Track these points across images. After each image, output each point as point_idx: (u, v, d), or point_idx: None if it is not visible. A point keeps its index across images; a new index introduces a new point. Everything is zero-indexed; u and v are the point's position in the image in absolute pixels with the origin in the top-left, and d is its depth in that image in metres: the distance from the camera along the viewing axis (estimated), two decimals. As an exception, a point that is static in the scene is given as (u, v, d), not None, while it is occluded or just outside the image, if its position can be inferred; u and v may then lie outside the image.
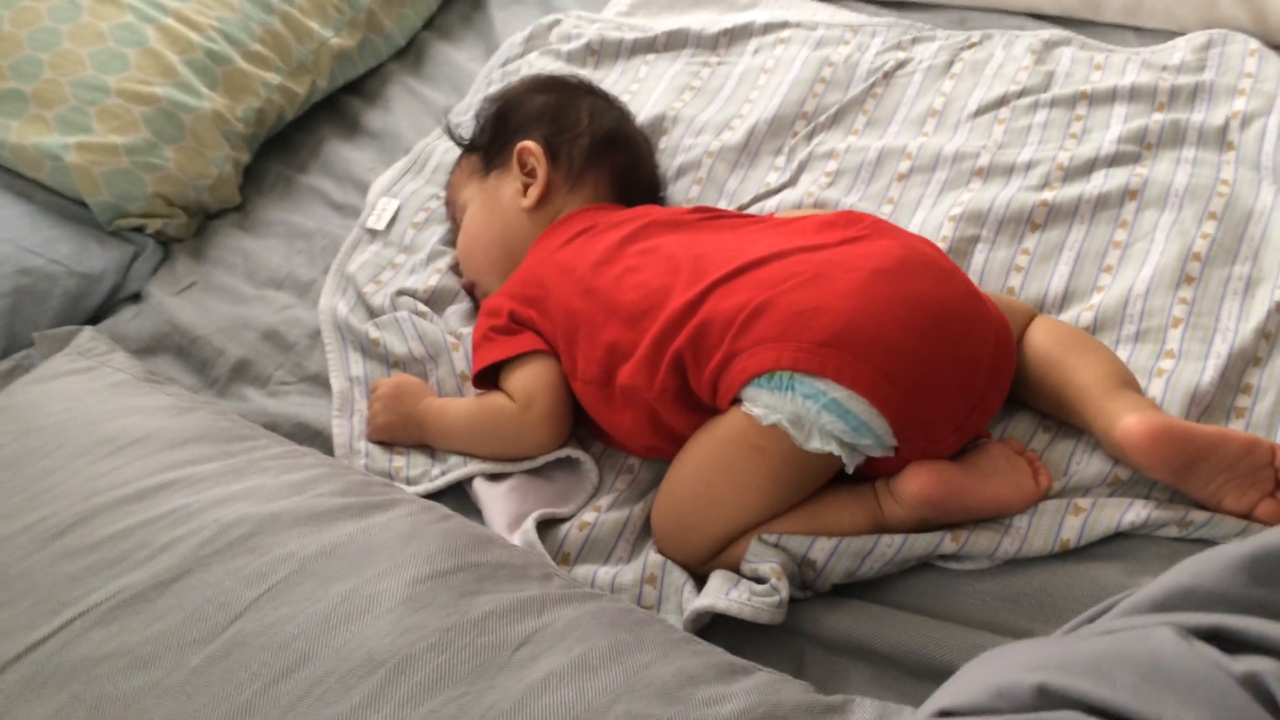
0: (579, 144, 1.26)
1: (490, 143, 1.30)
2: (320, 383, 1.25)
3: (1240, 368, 1.06)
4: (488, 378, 1.12)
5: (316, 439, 1.17)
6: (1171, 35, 1.46)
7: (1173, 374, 1.05)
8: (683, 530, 0.98)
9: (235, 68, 1.50)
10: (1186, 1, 1.43)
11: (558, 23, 1.67)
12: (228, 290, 1.37)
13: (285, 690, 0.75)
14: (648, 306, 1.03)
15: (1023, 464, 0.98)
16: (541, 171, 1.24)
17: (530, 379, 1.09)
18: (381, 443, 1.16)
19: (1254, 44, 1.36)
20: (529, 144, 1.25)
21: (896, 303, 0.94)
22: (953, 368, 0.95)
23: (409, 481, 1.11)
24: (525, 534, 0.99)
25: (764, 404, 0.93)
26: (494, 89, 1.57)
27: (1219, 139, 1.28)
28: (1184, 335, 1.09)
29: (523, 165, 1.26)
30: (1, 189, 1.41)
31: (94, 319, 1.37)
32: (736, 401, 0.96)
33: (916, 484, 0.93)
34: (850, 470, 0.95)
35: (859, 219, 1.06)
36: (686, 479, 0.98)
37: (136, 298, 1.39)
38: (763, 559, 0.93)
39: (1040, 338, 1.06)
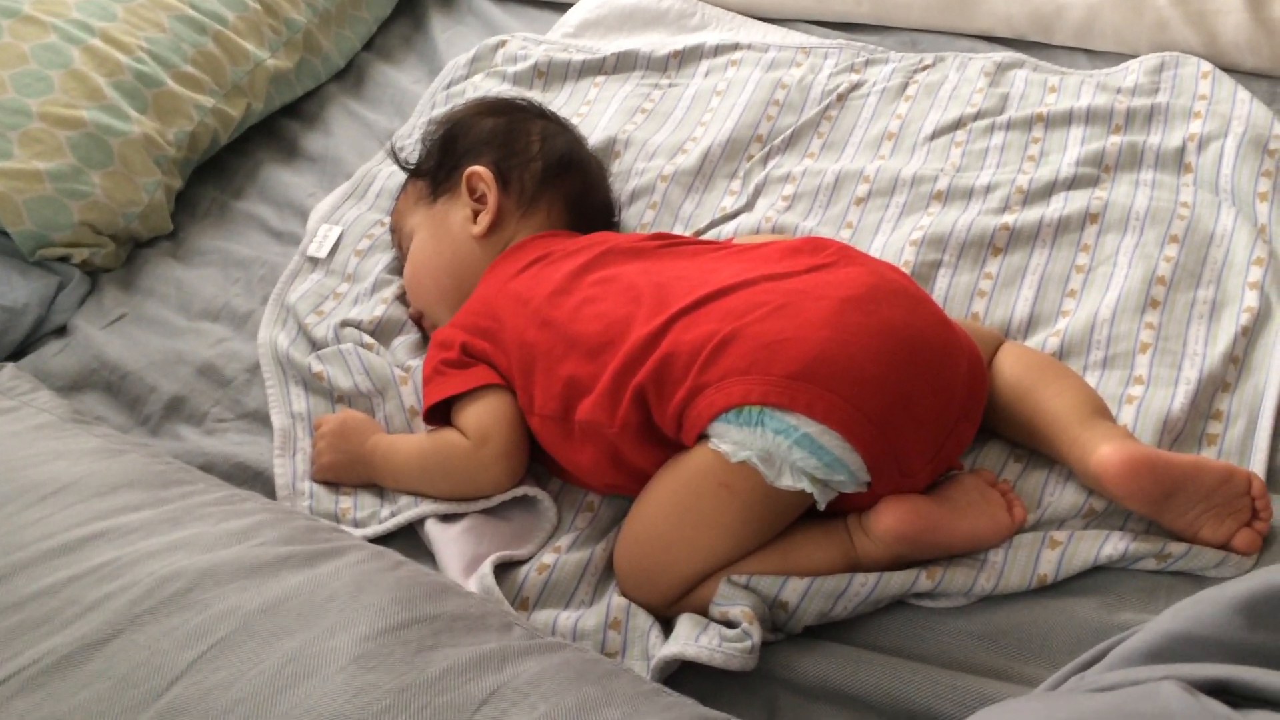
0: (531, 169, 1.22)
1: (438, 168, 1.25)
2: (260, 420, 1.19)
3: (1210, 393, 1.04)
4: (439, 414, 1.07)
5: (257, 480, 1.11)
6: (1123, 58, 1.46)
7: (1143, 401, 1.04)
8: (647, 572, 0.94)
9: (166, 90, 1.44)
10: (1138, 24, 1.42)
11: (503, 44, 1.63)
12: (160, 322, 1.30)
13: (228, 762, 0.69)
14: (609, 339, 0.99)
15: (996, 496, 0.96)
16: (492, 198, 1.20)
17: (484, 415, 1.04)
18: (327, 483, 1.10)
19: (1206, 66, 1.36)
20: (479, 169, 1.21)
21: (868, 332, 0.91)
22: (926, 398, 0.92)
23: (357, 524, 1.06)
24: (482, 579, 0.94)
25: (732, 440, 0.89)
26: (439, 111, 1.53)
27: (1177, 161, 1.27)
28: (1152, 360, 1.07)
29: (472, 191, 1.21)
30: (-84, 217, 1.33)
31: (16, 354, 1.30)
32: (703, 437, 0.92)
33: (891, 519, 0.90)
34: (822, 507, 0.91)
35: (825, 245, 1.03)
36: (651, 519, 0.94)
37: (62, 331, 1.31)
38: (733, 601, 0.89)
39: (1009, 365, 1.03)
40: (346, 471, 1.09)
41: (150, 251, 1.41)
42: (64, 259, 1.37)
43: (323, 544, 0.89)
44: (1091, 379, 1.07)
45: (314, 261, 1.35)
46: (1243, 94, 1.31)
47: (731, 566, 0.92)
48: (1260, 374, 1.05)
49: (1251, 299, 1.11)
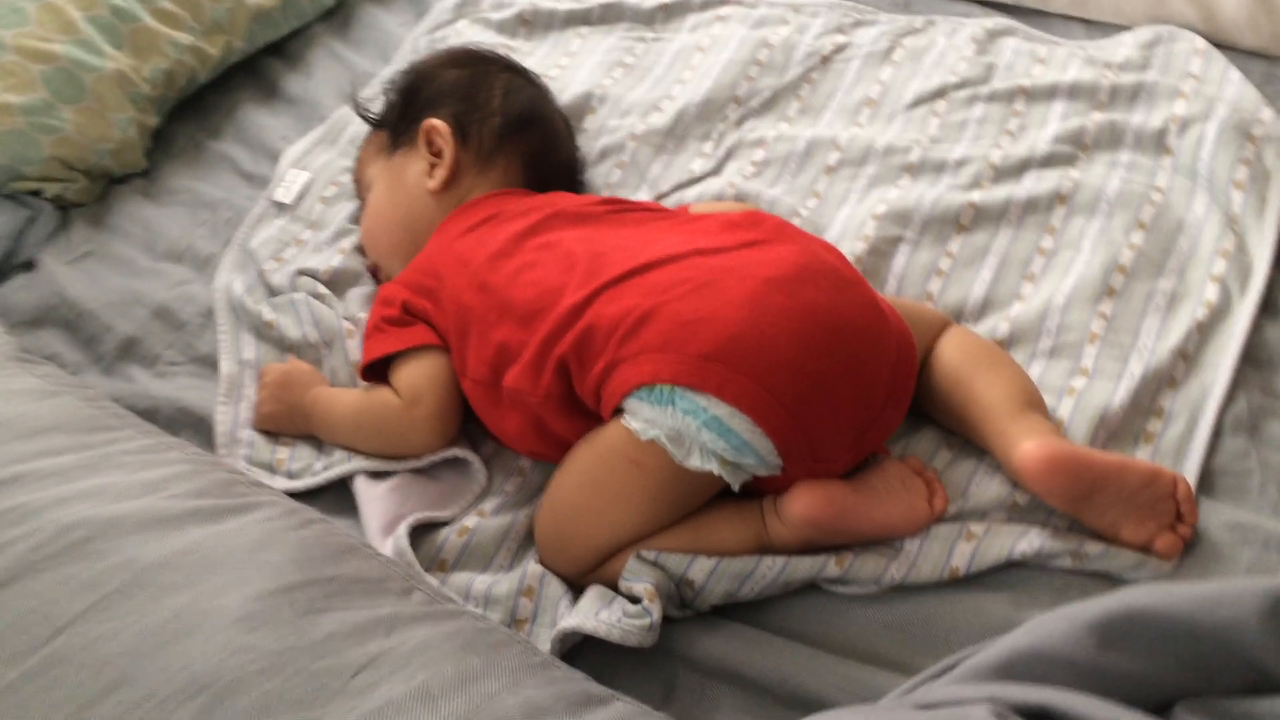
0: (490, 124, 1.20)
1: (399, 119, 1.24)
2: (211, 365, 1.19)
3: (1154, 389, 1.02)
4: (377, 370, 1.07)
5: (200, 426, 1.12)
6: (1120, 29, 1.41)
7: (1084, 393, 1.01)
8: (562, 542, 0.94)
9: (142, 26, 1.43)
10: (1136, -7, 1.37)
11: (491, -11, 1.60)
12: (124, 261, 1.31)
13: (99, 715, 0.70)
14: (541, 306, 0.98)
15: (919, 485, 0.94)
16: (448, 152, 1.19)
17: (418, 375, 1.03)
18: (267, 432, 1.10)
19: (1200, 43, 1.31)
20: (436, 123, 1.19)
21: (788, 314, 0.89)
22: (845, 383, 0.90)
23: (291, 475, 1.06)
24: (397, 540, 0.94)
25: (644, 417, 0.88)
26: (419, 56, 1.51)
27: (1157, 143, 1.23)
28: (1100, 352, 1.05)
29: (430, 145, 1.20)
30: (-108, 145, 1.34)
31: (-16, 286, 1.31)
32: (618, 412, 0.91)
33: (801, 505, 0.89)
34: (736, 488, 0.91)
35: (762, 220, 1.01)
36: (566, 490, 0.94)
37: (29, 265, 1.32)
38: (638, 577, 0.89)
39: (949, 351, 1.01)
40: (286, 422, 1.10)
41: (123, 188, 1.41)
42: (36, 193, 1.37)
43: (235, 499, 0.89)
44: (1037, 368, 1.05)
45: (279, 206, 1.35)
46: (1233, 74, 1.27)
47: (643, 542, 0.91)
48: (1209, 372, 1.03)
49: (1211, 293, 1.08)
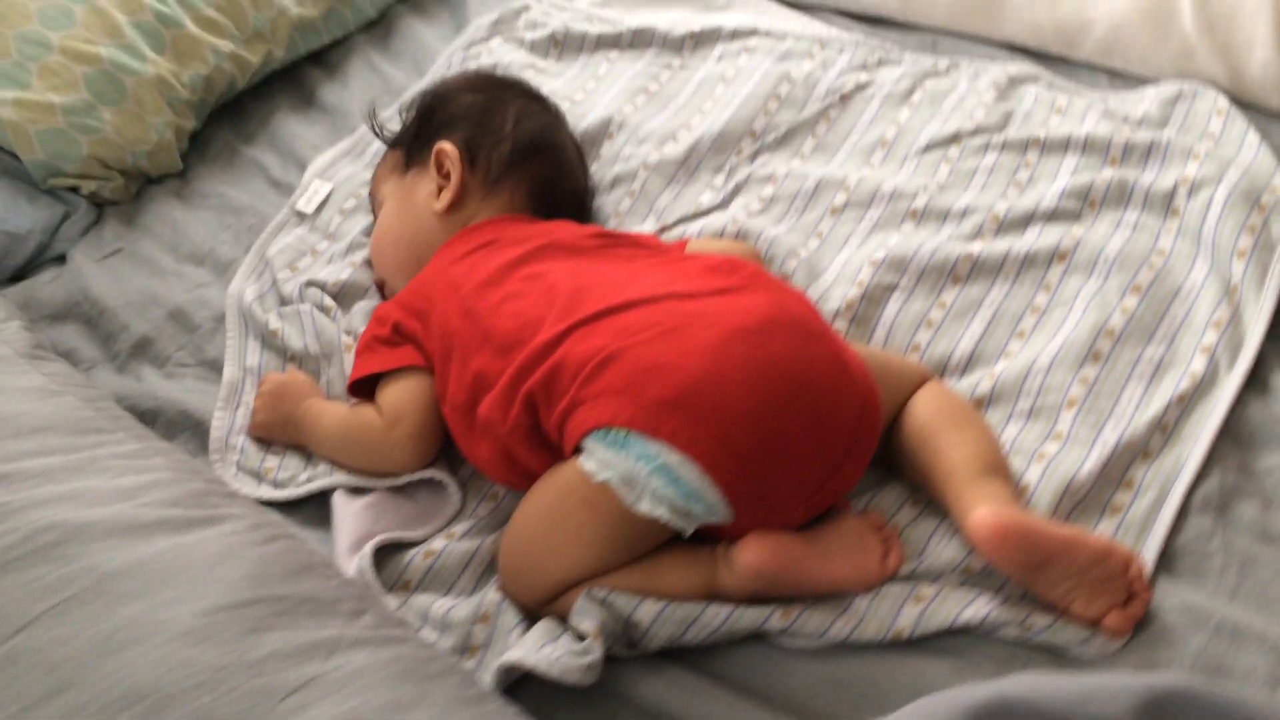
0: (500, 149, 1.23)
1: (413, 139, 1.27)
2: (217, 369, 1.23)
3: (1126, 460, 1.01)
4: (365, 387, 1.10)
5: (198, 429, 1.16)
6: (1146, 81, 1.39)
7: (1054, 459, 1.01)
8: (520, 573, 0.96)
9: (185, 32, 1.48)
10: (1162, 49, 1.35)
11: (527, 9, 1.63)
12: (149, 261, 1.36)
13: (41, 717, 0.74)
14: (519, 338, 1.00)
15: (874, 543, 0.95)
16: (456, 175, 1.21)
17: (401, 396, 1.07)
18: (261, 440, 1.14)
19: (1223, 102, 1.29)
20: (446, 146, 1.22)
21: (749, 365, 0.91)
22: (802, 437, 0.91)
23: (276, 484, 1.10)
24: (361, 559, 0.97)
25: (599, 459, 0.90)
26: (453, 71, 1.54)
27: (1165, 204, 1.21)
28: (1076, 418, 1.04)
29: (439, 167, 1.23)
30: (-56, 137, 1.41)
31: (17, 277, 1.37)
32: (578, 450, 0.93)
33: (749, 556, 0.90)
34: (687, 534, 0.92)
35: (740, 268, 1.02)
36: (526, 523, 0.96)
37: (61, 260, 1.39)
38: (586, 615, 0.91)
39: (921, 408, 1.01)
40: (279, 431, 1.13)
41: (158, 189, 1.47)
42: (74, 189, 1.43)
43: (206, 510, 0.93)
44: (1013, 429, 1.05)
45: (300, 216, 1.39)
46: (1252, 138, 1.24)
47: (595, 579, 0.93)
48: (1186, 446, 1.01)
49: (1199, 364, 1.07)
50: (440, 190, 1.22)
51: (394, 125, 1.35)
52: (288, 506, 1.09)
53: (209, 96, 1.52)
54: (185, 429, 1.17)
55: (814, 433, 0.92)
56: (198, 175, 1.49)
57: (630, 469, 0.89)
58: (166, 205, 1.44)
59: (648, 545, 0.94)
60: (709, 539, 0.95)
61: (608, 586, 0.92)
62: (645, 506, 0.89)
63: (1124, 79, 1.40)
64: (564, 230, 1.15)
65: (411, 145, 1.27)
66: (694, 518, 0.91)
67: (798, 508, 0.93)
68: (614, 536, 0.92)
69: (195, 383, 1.23)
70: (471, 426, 1.02)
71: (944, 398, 1.03)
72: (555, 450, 0.97)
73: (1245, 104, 1.32)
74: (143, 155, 1.44)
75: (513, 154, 1.23)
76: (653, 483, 0.88)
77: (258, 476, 1.11)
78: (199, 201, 1.45)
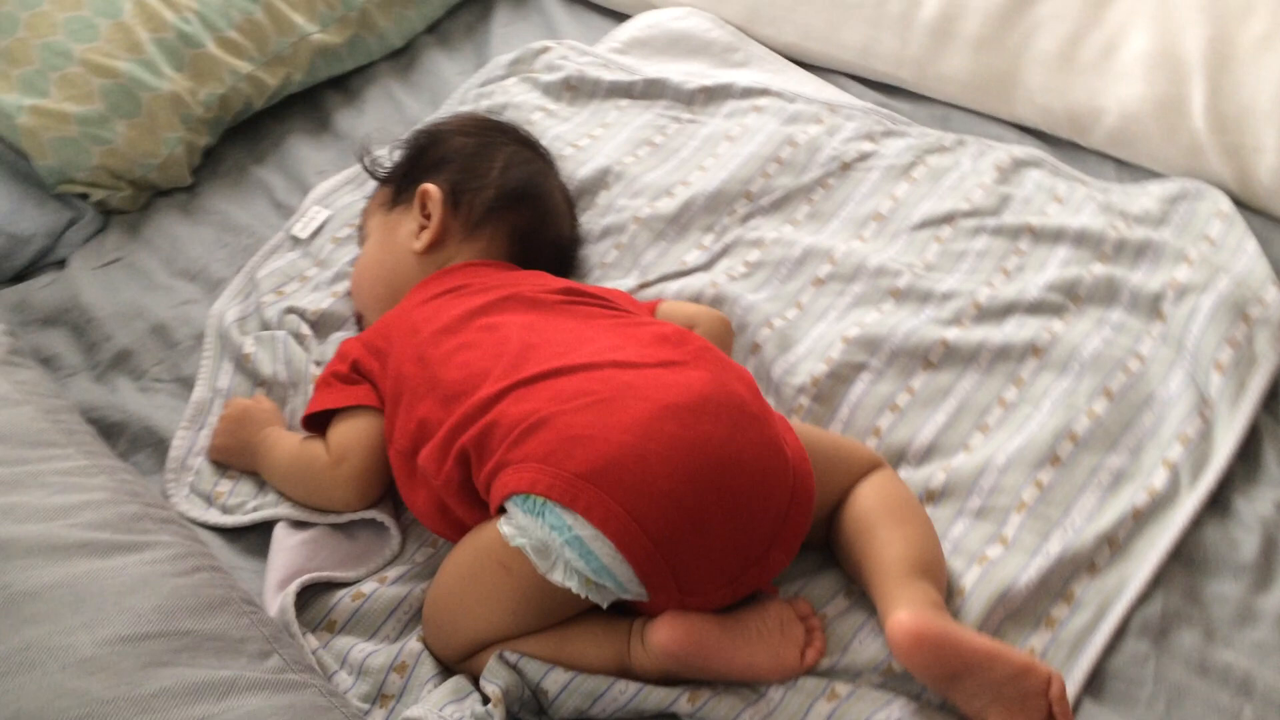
0: (483, 195, 1.23)
1: (402, 177, 1.28)
2: (190, 387, 1.25)
3: (1069, 572, 0.98)
4: (319, 422, 1.11)
5: (160, 447, 1.18)
6: (1153, 175, 1.36)
7: (995, 564, 0.98)
8: (438, 627, 0.96)
9: (205, 52, 1.51)
10: (1171, 145, 1.32)
11: (546, 50, 1.64)
12: (143, 274, 1.38)
13: (-76, 736, 0.75)
14: (463, 390, 1.00)
15: (796, 633, 0.93)
16: (436, 217, 1.22)
17: (348, 435, 1.07)
18: (220, 463, 1.15)
19: (1225, 205, 1.26)
20: (429, 187, 1.23)
21: (675, 444, 0.90)
22: (724, 523, 0.90)
23: (225, 509, 1.11)
24: (284, 598, 0.98)
25: (516, 524, 0.90)
26: (467, 107, 1.56)
27: (1151, 307, 1.18)
28: (1023, 523, 1.02)
29: (423, 207, 1.24)
30: (-35, 135, 1.45)
31: (18, 278, 1.40)
32: (502, 510, 0.93)
33: (662, 635, 0.89)
34: (604, 607, 0.91)
35: (688, 341, 1.01)
36: (446, 578, 0.96)
37: (61, 264, 1.41)
38: (494, 678, 0.90)
39: (864, 498, 1.00)
40: (236, 456, 1.14)
41: (165, 201, 1.49)
42: (83, 196, 1.47)
43: (133, 535, 0.94)
44: (960, 527, 1.03)
45: (295, 240, 1.40)
46: (1250, 245, 1.21)
47: (509, 642, 0.93)
48: (1133, 564, 0.98)
49: (1159, 479, 1.03)
50: (421, 230, 1.23)
51: (392, 160, 1.36)
52: (233, 533, 1.10)
53: (224, 115, 1.54)
54: (148, 445, 1.18)
55: (737, 518, 0.90)
56: (205, 190, 1.51)
57: (545, 538, 0.88)
58: (170, 218, 1.46)
59: (565, 612, 0.93)
60: (629, 610, 0.94)
61: (521, 650, 0.92)
62: (557, 577, 0.88)
63: (1132, 170, 1.37)
64: (530, 282, 1.15)
65: (400, 182, 1.28)
66: (607, 592, 0.90)
67: (715, 591, 0.92)
68: (528, 601, 0.91)
69: (167, 399, 1.24)
70: (412, 473, 1.02)
71: (889, 489, 1.01)
72: (485, 507, 0.97)
73: (1252, 208, 1.29)
74: (152, 168, 1.47)
75: (496, 200, 1.23)
76: (566, 554, 0.88)
77: (208, 500, 1.12)
78: (201, 217, 1.47)
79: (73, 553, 0.89)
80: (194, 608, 0.88)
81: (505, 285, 1.14)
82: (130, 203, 1.48)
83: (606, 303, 1.13)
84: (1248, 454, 1.06)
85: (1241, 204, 1.29)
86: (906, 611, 0.88)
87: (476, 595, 0.92)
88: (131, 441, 1.19)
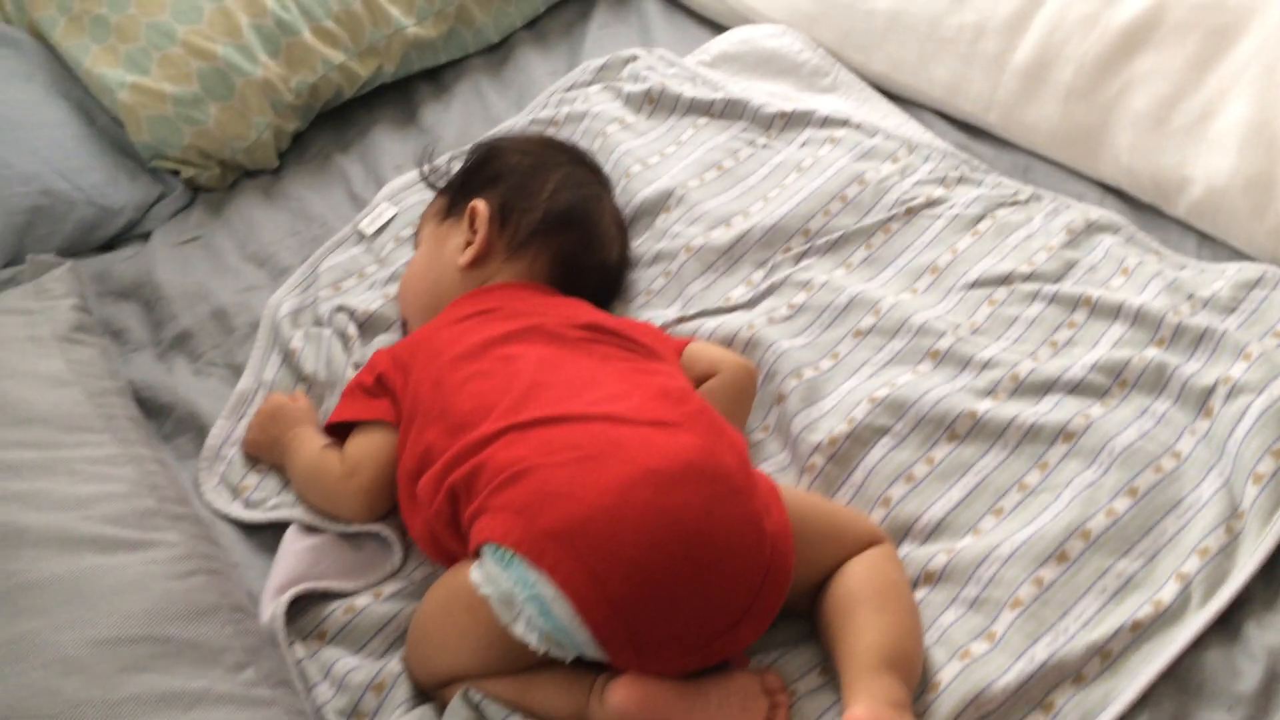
0: (530, 216, 1.25)
1: (458, 189, 1.30)
2: (240, 374, 1.30)
3: (1053, 681, 0.95)
4: (341, 430, 1.15)
5: (201, 433, 1.23)
6: (1234, 254, 1.28)
7: (976, 662, 0.96)
8: (416, 656, 0.99)
9: (300, 40, 1.55)
10: (1258, 224, 1.24)
11: (634, 59, 1.63)
12: (216, 254, 1.44)
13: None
14: (469, 421, 1.02)
15: (759, 707, 0.93)
16: (482, 234, 1.24)
17: (363, 449, 1.10)
18: (251, 456, 1.20)
19: (1304, 299, 1.18)
20: (478, 203, 1.25)
21: (649, 512, 0.90)
22: (690, 595, 0.90)
23: (249, 504, 1.16)
24: (277, 606, 1.02)
25: (485, 572, 0.92)
26: (548, 112, 1.56)
27: (1199, 401, 1.12)
28: (1014, 622, 0.98)
29: (470, 222, 1.26)
30: (74, 104, 1.53)
31: (106, 247, 1.48)
32: (478, 554, 0.95)
33: (619, 696, 0.90)
34: (566, 661, 0.92)
35: (687, 400, 1.01)
36: (424, 610, 0.99)
37: (146, 237, 1.49)
38: (455, 717, 0.93)
39: (852, 577, 0.98)
40: (266, 451, 1.19)
41: (251, 182, 1.55)
42: (174, 172, 1.54)
43: (141, 532, 0.99)
44: (950, 616, 1.00)
45: (360, 235, 1.44)
46: (1321, 346, 1.13)
47: (476, 680, 0.95)
48: (1122, 680, 0.94)
49: (1169, 591, 0.99)
50: (467, 245, 1.25)
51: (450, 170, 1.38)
52: (252, 527, 1.15)
53: (314, 102, 1.59)
54: (191, 429, 1.24)
55: (704, 591, 0.90)
56: (289, 175, 1.56)
57: (510, 590, 0.90)
58: (252, 200, 1.52)
59: (531, 659, 0.95)
60: (599, 662, 0.95)
61: (486, 690, 0.94)
62: (518, 630, 0.90)
63: (1214, 246, 1.30)
64: (558, 313, 1.15)
65: (456, 194, 1.30)
66: (567, 650, 0.91)
67: (679, 660, 0.92)
68: (493, 646, 0.93)
69: (218, 384, 1.30)
70: (413, 496, 1.05)
71: (879, 570, 0.99)
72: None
73: (1335, 300, 1.20)
74: (240, 150, 1.53)
75: (542, 222, 1.24)
76: (527, 609, 0.89)
77: (235, 492, 1.17)
78: (281, 202, 1.52)
79: (80, 547, 0.95)
80: (181, 613, 0.93)
81: (534, 313, 1.15)
82: (218, 181, 1.54)
83: (629, 342, 1.13)
84: (1272, 576, 1.00)
85: (1325, 297, 1.20)
86: (863, 708, 0.87)
87: (447, 632, 0.95)
88: (177, 424, 1.25)
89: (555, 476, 0.92)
